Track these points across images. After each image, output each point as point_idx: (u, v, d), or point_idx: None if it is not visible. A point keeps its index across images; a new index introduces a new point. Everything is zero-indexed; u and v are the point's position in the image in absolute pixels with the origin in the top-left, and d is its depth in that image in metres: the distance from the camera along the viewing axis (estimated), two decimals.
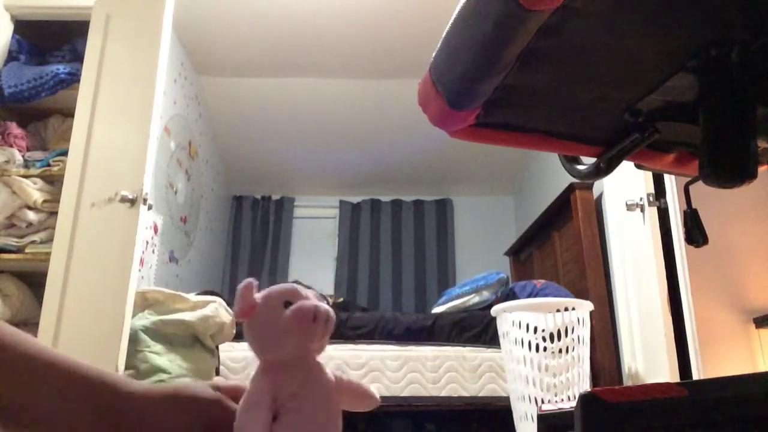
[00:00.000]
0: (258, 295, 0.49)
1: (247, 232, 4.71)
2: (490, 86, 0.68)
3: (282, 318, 0.47)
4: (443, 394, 2.59)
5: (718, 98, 0.71)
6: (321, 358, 0.50)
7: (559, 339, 2.15)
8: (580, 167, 0.97)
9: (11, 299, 2.30)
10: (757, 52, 0.65)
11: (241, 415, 0.46)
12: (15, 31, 2.60)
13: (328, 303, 3.06)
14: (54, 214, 2.28)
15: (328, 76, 3.90)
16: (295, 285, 0.51)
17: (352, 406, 0.52)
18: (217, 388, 0.50)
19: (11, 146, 2.45)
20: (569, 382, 2.14)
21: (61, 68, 2.50)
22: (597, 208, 2.96)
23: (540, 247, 3.74)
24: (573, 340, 2.17)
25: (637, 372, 2.28)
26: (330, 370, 0.51)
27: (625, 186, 2.33)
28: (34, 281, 2.35)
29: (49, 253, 2.15)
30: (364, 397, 0.52)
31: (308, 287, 0.50)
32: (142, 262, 2.98)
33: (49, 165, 2.43)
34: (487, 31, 0.59)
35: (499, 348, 2.42)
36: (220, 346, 2.40)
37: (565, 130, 0.85)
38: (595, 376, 2.48)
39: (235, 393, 0.49)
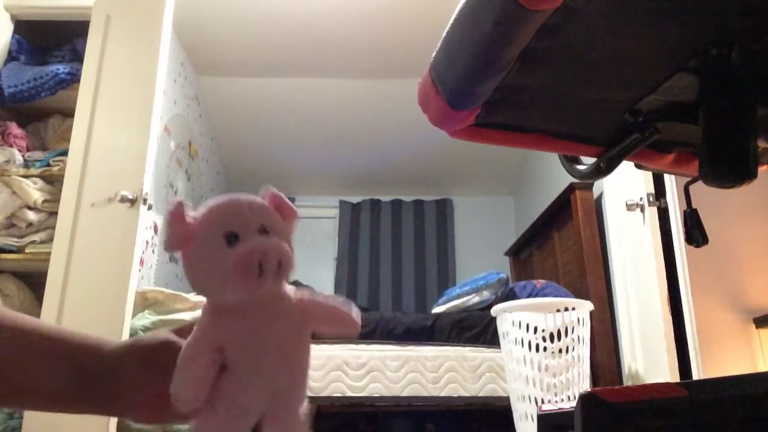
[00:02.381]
0: (194, 219, 0.41)
1: None
2: (490, 86, 0.68)
3: (222, 261, 0.38)
4: (443, 394, 2.59)
5: (718, 98, 0.71)
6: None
7: (559, 339, 2.15)
8: (580, 167, 0.97)
9: (11, 299, 2.30)
10: (757, 52, 0.65)
11: (176, 373, 0.41)
12: (15, 31, 2.60)
13: None
14: (54, 214, 2.28)
15: (328, 76, 3.90)
16: (237, 203, 0.41)
17: (329, 331, 0.45)
18: (184, 327, 0.48)
19: (11, 146, 2.45)
20: (569, 382, 2.14)
21: (61, 68, 2.50)
22: (597, 208, 2.96)
23: (540, 247, 3.74)
24: (573, 340, 2.17)
25: (637, 372, 2.28)
26: (296, 293, 0.44)
27: (625, 186, 2.33)
28: (34, 281, 2.35)
29: (49, 253, 2.15)
30: (340, 322, 0.44)
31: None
32: (142, 262, 2.98)
33: (49, 165, 2.43)
34: (487, 31, 0.59)
35: (499, 348, 2.42)
36: None
37: (565, 130, 0.85)
38: (595, 376, 2.48)
39: None
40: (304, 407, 0.44)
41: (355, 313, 0.44)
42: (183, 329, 0.47)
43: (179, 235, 0.40)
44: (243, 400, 0.41)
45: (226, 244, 0.39)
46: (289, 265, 0.39)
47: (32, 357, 0.46)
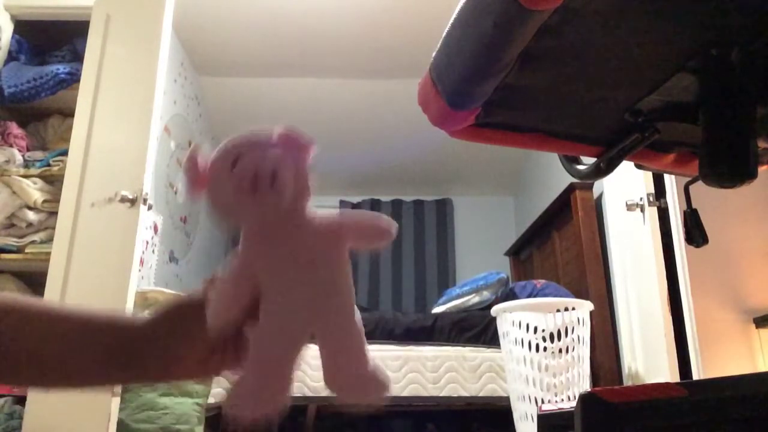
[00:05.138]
0: (206, 162, 0.41)
1: None
2: (490, 86, 0.68)
3: (227, 186, 0.39)
4: (443, 394, 2.59)
5: (718, 98, 0.71)
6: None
7: (559, 339, 2.15)
8: (580, 167, 0.97)
9: None
10: (757, 52, 0.65)
11: (212, 296, 0.41)
12: (15, 31, 2.60)
13: None
14: (54, 214, 2.28)
15: (327, 76, 3.90)
16: (244, 135, 0.42)
17: (366, 245, 0.44)
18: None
19: (11, 146, 2.44)
20: (569, 382, 2.14)
21: (61, 68, 2.50)
22: (597, 208, 2.96)
23: (540, 247, 3.74)
24: (573, 340, 2.17)
25: (637, 372, 2.28)
26: (327, 215, 0.43)
27: (625, 186, 2.33)
28: (34, 281, 2.35)
29: (49, 253, 2.15)
30: (376, 233, 0.44)
31: None
32: (142, 262, 2.98)
33: (49, 165, 2.43)
34: (487, 31, 0.59)
35: (499, 348, 2.42)
36: None
37: (565, 130, 0.85)
38: (595, 376, 2.48)
39: None
40: (358, 320, 0.43)
41: (388, 223, 0.43)
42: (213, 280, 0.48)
43: (195, 176, 0.41)
44: (279, 320, 0.41)
45: (230, 168, 0.40)
46: (286, 174, 0.39)
47: (64, 330, 0.47)
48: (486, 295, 2.92)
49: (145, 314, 0.49)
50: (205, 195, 0.41)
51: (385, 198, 4.89)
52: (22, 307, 0.47)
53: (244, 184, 0.38)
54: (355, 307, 0.43)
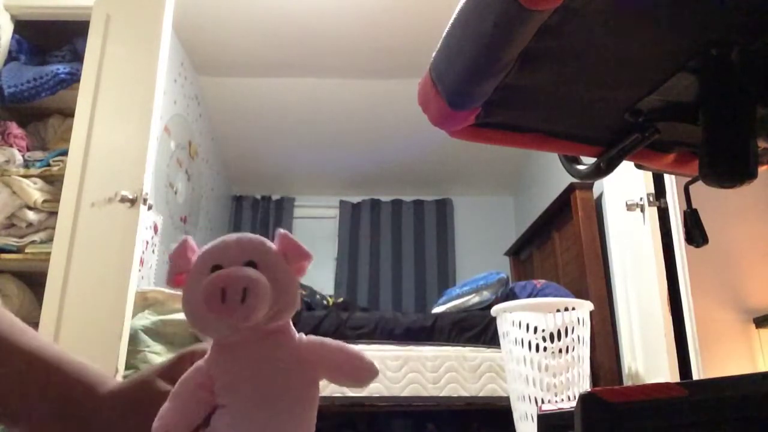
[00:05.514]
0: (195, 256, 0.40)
1: (247, 232, 4.69)
2: (490, 86, 0.68)
3: (198, 294, 0.37)
4: (443, 394, 2.59)
5: (718, 98, 0.71)
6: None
7: (559, 339, 2.15)
8: (580, 167, 0.97)
9: (11, 299, 2.30)
10: (757, 52, 0.65)
11: (164, 404, 0.39)
12: (15, 31, 2.60)
13: (327, 303, 3.00)
14: (54, 214, 2.28)
15: (328, 76, 3.90)
16: (226, 239, 0.40)
17: (342, 382, 0.41)
18: (178, 361, 0.46)
19: (11, 146, 2.45)
20: (569, 382, 2.14)
21: (61, 68, 2.50)
22: (597, 208, 2.96)
23: (540, 247, 3.74)
24: (573, 340, 2.17)
25: (637, 372, 2.28)
26: (307, 339, 0.41)
27: (625, 186, 2.33)
28: (34, 281, 2.35)
29: (49, 253, 2.15)
30: (352, 370, 0.41)
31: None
32: (142, 262, 2.98)
33: (49, 165, 2.43)
34: (487, 31, 0.59)
35: (499, 348, 2.42)
36: None
37: (565, 130, 0.85)
38: (595, 376, 2.48)
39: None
40: None
41: (368, 364, 0.41)
42: (179, 363, 0.46)
43: (178, 269, 0.40)
44: None
45: (208, 274, 0.38)
46: (258, 294, 0.37)
47: (25, 381, 0.44)
48: (486, 295, 2.92)
49: (111, 385, 0.46)
50: (183, 290, 0.40)
51: (385, 198, 4.89)
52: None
53: (208, 298, 0.36)
54: None
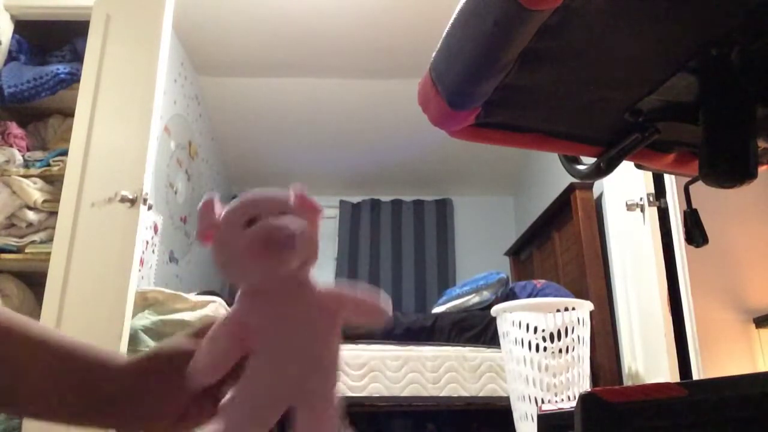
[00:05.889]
0: (221, 212, 0.42)
1: None
2: (490, 86, 0.68)
3: (239, 242, 0.40)
4: (443, 394, 2.59)
5: (718, 98, 0.71)
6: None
7: (559, 339, 2.15)
8: (580, 167, 0.97)
9: (11, 299, 2.30)
10: (757, 52, 0.65)
11: (198, 350, 0.41)
12: (15, 31, 2.60)
13: None
14: (54, 214, 2.28)
15: (328, 76, 3.90)
16: (257, 193, 0.43)
17: (360, 321, 0.45)
18: (203, 328, 0.46)
19: (11, 146, 2.45)
20: (569, 382, 2.14)
21: (61, 68, 2.50)
22: (597, 208, 2.96)
23: (540, 247, 3.74)
24: (573, 340, 2.17)
25: (637, 372, 2.28)
26: (326, 287, 0.44)
27: (625, 186, 2.33)
28: (34, 281, 2.35)
29: (49, 253, 2.15)
30: (371, 311, 0.45)
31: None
32: (142, 262, 2.98)
33: (49, 165, 2.43)
34: (487, 31, 0.59)
35: (499, 348, 2.42)
36: None
37: (565, 130, 0.85)
38: (595, 376, 2.48)
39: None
40: (337, 399, 0.43)
41: (385, 302, 0.44)
42: (199, 332, 0.47)
43: (208, 225, 0.42)
44: (263, 383, 0.40)
45: (244, 227, 0.40)
46: (301, 240, 0.39)
47: (40, 370, 0.44)
48: (486, 295, 2.92)
49: (124, 360, 0.47)
50: (213, 245, 0.42)
51: (385, 198, 4.89)
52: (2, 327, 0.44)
53: (255, 245, 0.39)
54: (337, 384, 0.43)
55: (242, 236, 0.40)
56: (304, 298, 0.42)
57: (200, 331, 0.46)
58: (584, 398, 0.70)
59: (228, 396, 0.41)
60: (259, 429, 0.40)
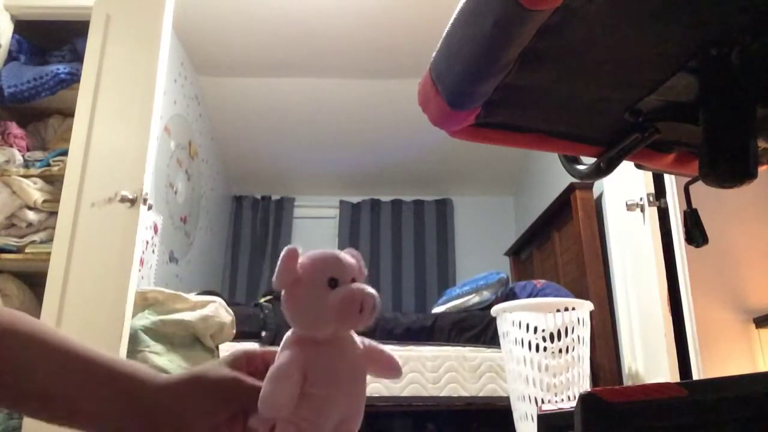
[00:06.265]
0: (300, 263, 0.47)
1: (247, 232, 4.71)
2: (490, 86, 0.68)
3: (325, 301, 0.45)
4: (443, 394, 2.59)
5: (718, 98, 0.71)
6: None
7: (559, 339, 2.15)
8: (580, 167, 0.97)
9: (11, 299, 2.30)
10: (757, 52, 0.65)
11: (268, 384, 0.45)
12: (15, 31, 2.60)
13: None
14: (54, 214, 2.28)
15: (328, 76, 3.90)
16: (338, 256, 0.48)
17: (377, 375, 0.52)
18: (234, 359, 0.51)
19: (11, 146, 2.45)
20: (569, 382, 2.14)
21: (61, 68, 2.50)
22: (597, 208, 2.96)
23: (540, 247, 3.74)
24: (573, 340, 2.17)
25: (637, 372, 2.28)
26: (363, 341, 0.50)
27: (625, 186, 2.33)
28: (34, 281, 2.35)
29: (49, 253, 2.15)
30: (390, 368, 0.52)
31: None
32: (142, 262, 2.98)
33: (49, 165, 2.43)
34: (487, 31, 0.59)
35: (499, 348, 2.42)
36: (220, 346, 2.41)
37: (565, 130, 0.85)
38: (595, 376, 2.48)
39: (251, 361, 0.51)
40: None
41: (398, 364, 0.52)
42: (235, 361, 0.50)
43: (289, 275, 0.46)
44: (319, 422, 0.46)
45: (328, 287, 0.46)
46: (378, 308, 0.46)
47: (83, 384, 0.47)
48: (486, 295, 2.92)
49: (164, 378, 0.50)
50: (294, 294, 0.47)
51: (385, 198, 4.89)
52: (39, 336, 0.47)
53: (346, 307, 0.45)
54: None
55: (329, 296, 0.45)
56: (352, 351, 0.49)
57: (233, 361, 0.50)
58: (584, 398, 0.70)
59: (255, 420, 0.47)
60: None
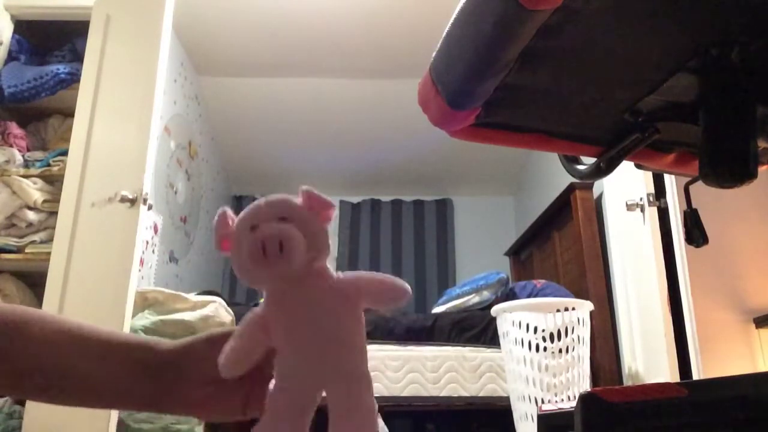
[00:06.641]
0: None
1: None
2: (490, 86, 0.68)
3: (244, 251, 0.43)
4: (443, 394, 2.59)
5: (718, 98, 0.71)
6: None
7: (559, 339, 2.15)
8: (580, 167, 0.97)
9: (11, 299, 2.30)
10: (757, 52, 0.65)
11: (227, 343, 0.45)
12: (15, 31, 2.60)
13: None
14: (54, 214, 2.28)
15: (328, 76, 3.90)
16: (262, 200, 0.45)
17: (382, 305, 0.48)
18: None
19: (11, 146, 2.45)
20: (569, 382, 2.14)
21: (61, 68, 2.50)
22: (597, 208, 2.96)
23: (540, 247, 3.74)
24: (573, 340, 2.17)
25: (637, 372, 2.28)
26: (344, 276, 0.47)
27: (625, 186, 2.33)
28: (34, 281, 2.35)
29: (49, 253, 2.15)
30: (392, 295, 0.46)
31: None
32: (142, 262, 2.98)
33: (49, 165, 2.43)
34: (487, 31, 0.59)
35: (499, 348, 2.42)
36: None
37: (565, 130, 0.85)
38: (595, 376, 2.48)
39: None
40: (369, 386, 0.44)
41: (403, 285, 0.46)
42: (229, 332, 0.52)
43: (221, 234, 0.45)
44: (292, 372, 0.44)
45: (248, 234, 0.44)
46: (291, 243, 0.42)
47: (87, 354, 0.48)
48: (486, 295, 2.92)
49: (171, 342, 0.51)
50: (231, 253, 0.45)
51: (385, 198, 4.89)
52: (46, 322, 0.48)
53: (252, 254, 0.42)
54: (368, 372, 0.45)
55: (245, 244, 0.43)
56: (319, 289, 0.45)
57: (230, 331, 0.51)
58: (584, 398, 0.70)
59: (271, 385, 0.45)
60: (299, 414, 0.44)
